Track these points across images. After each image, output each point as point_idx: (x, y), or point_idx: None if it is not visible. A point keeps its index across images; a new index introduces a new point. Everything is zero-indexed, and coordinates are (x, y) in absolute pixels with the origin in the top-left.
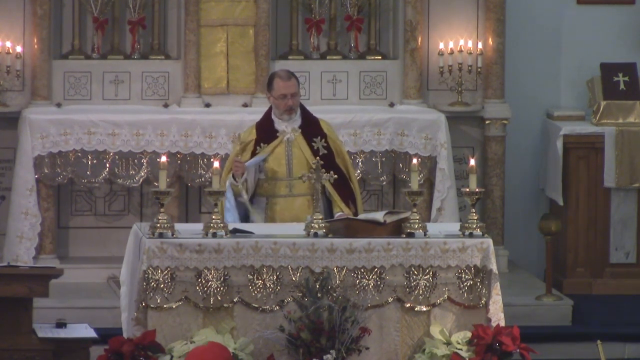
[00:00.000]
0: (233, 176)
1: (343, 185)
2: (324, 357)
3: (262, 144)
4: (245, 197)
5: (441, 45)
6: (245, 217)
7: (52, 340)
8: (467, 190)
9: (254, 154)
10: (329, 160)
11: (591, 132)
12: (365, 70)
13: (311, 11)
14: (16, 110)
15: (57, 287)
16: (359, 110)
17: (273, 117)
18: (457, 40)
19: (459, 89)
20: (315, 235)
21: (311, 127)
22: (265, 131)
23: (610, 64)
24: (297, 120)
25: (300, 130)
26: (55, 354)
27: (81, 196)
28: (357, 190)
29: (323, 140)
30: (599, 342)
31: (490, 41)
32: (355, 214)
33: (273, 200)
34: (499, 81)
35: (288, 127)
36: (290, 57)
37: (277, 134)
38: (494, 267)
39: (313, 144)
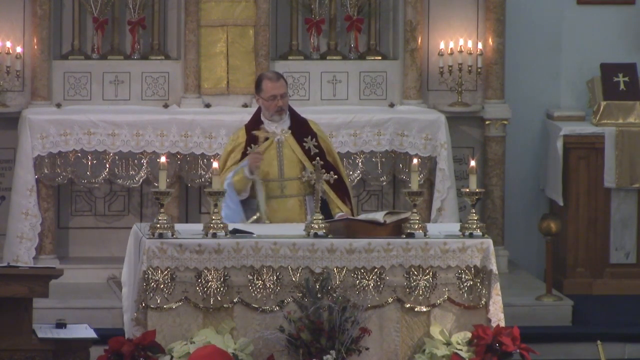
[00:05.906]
0: (250, 170)
1: (338, 183)
2: (324, 357)
3: (252, 146)
4: (260, 190)
5: (441, 46)
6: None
7: (52, 341)
8: (467, 190)
9: (244, 155)
10: (320, 159)
11: (591, 133)
12: (365, 71)
13: (311, 11)
14: (16, 111)
15: (57, 287)
16: (359, 110)
17: (262, 118)
18: (457, 41)
19: (459, 89)
20: (315, 235)
21: (301, 128)
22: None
23: (610, 64)
24: (287, 121)
25: (290, 131)
26: (55, 354)
27: (81, 196)
28: (349, 187)
29: (314, 139)
30: (599, 342)
31: (490, 41)
32: (351, 210)
33: (265, 202)
34: (499, 81)
35: (278, 129)
36: (290, 57)
37: (268, 136)
38: (494, 267)
39: (304, 143)
